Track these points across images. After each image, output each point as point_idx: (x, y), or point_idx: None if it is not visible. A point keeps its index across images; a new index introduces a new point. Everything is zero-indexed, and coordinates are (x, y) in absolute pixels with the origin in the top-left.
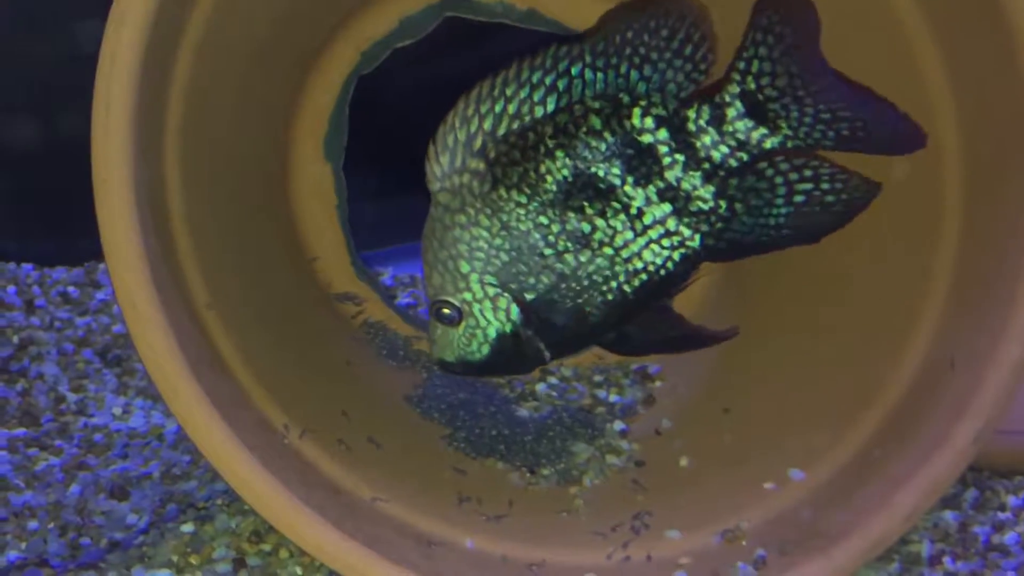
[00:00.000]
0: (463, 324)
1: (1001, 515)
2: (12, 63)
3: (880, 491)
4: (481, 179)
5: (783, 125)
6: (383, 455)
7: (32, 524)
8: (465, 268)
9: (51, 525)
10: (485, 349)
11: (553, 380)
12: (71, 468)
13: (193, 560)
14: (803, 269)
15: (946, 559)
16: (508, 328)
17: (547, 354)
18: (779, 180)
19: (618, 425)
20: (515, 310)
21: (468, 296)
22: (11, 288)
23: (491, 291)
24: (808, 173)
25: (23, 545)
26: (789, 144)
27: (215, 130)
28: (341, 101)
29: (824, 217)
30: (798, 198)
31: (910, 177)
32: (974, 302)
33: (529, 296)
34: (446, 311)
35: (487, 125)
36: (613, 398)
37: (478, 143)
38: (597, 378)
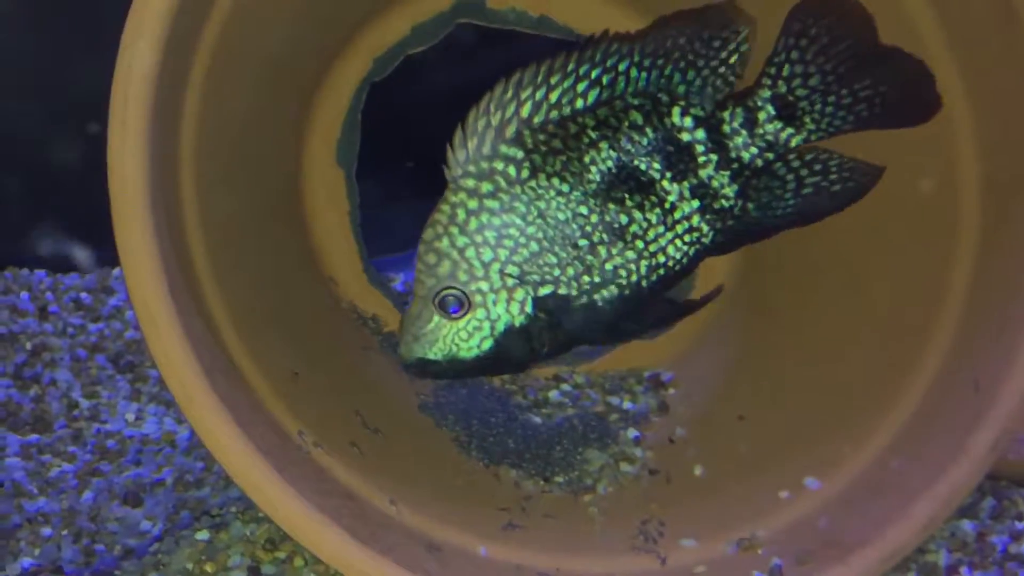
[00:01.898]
0: (468, 316)
1: (1019, 524)
2: (29, 72)
3: (897, 500)
4: (518, 166)
5: (808, 121)
6: (397, 462)
7: (46, 531)
8: (488, 256)
9: (65, 532)
10: (487, 344)
11: (566, 387)
12: (84, 474)
13: (208, 568)
14: (820, 278)
15: (963, 569)
16: (519, 322)
17: (543, 352)
18: (790, 177)
19: (632, 433)
20: (530, 303)
21: (484, 286)
22: (24, 294)
23: (509, 282)
24: (817, 167)
25: (37, 552)
26: (812, 138)
27: (229, 137)
28: (353, 107)
29: (827, 204)
30: (806, 190)
31: (930, 186)
32: (991, 311)
33: (544, 290)
34: (452, 299)
35: (524, 112)
36: (627, 405)
37: (511, 130)
38: (610, 385)
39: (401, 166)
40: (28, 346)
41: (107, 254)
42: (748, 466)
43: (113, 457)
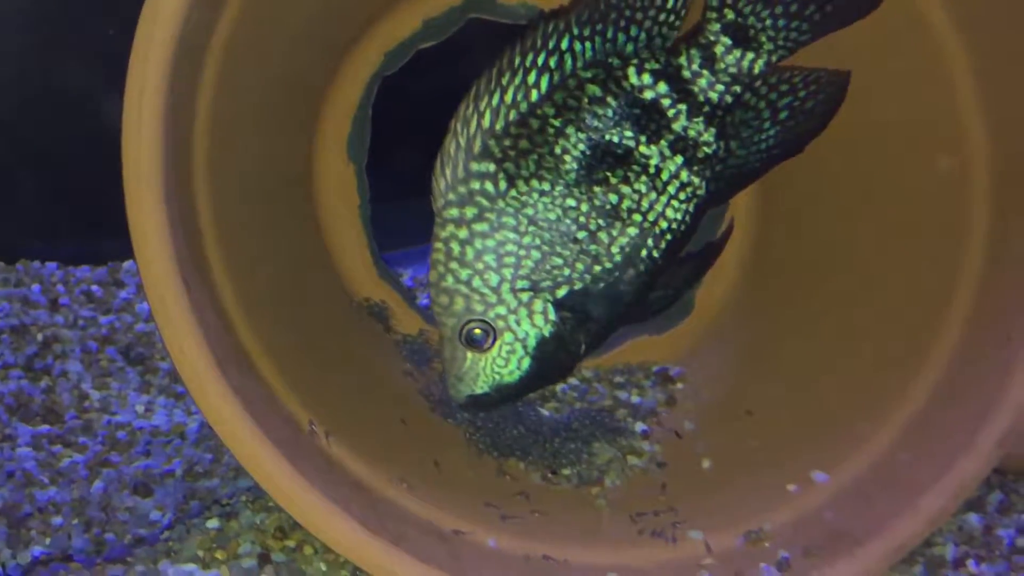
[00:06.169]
0: (498, 344)
1: None
2: (36, 63)
3: (905, 493)
4: (494, 180)
5: (764, 41)
6: (407, 454)
7: (56, 520)
8: (495, 280)
9: (75, 521)
10: (525, 363)
11: (574, 381)
12: (95, 465)
13: (219, 555)
14: (828, 273)
15: (970, 562)
16: (548, 331)
17: (583, 348)
18: (763, 105)
19: (639, 426)
20: (551, 310)
21: (501, 310)
22: (36, 286)
23: (524, 296)
24: (785, 87)
25: (47, 541)
26: (773, 59)
27: (242, 130)
28: (364, 102)
29: (807, 124)
30: (783, 115)
31: (939, 183)
32: (999, 307)
33: (561, 292)
34: (477, 332)
35: (486, 123)
36: (634, 399)
37: (478, 145)
38: (618, 379)
39: (412, 161)
40: (39, 338)
41: (118, 247)
42: (756, 460)
43: (123, 448)
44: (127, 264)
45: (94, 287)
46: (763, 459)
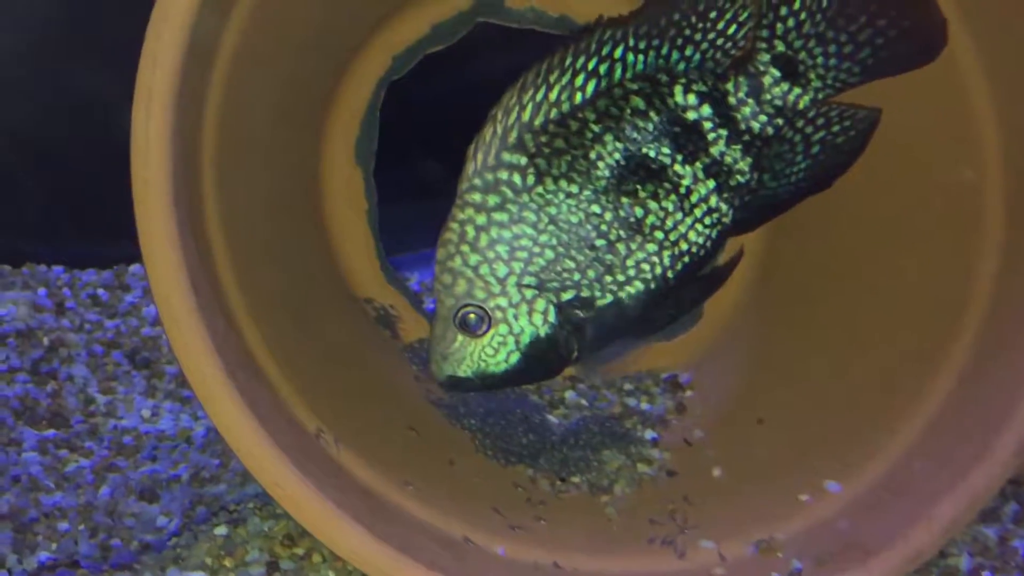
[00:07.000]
0: (490, 333)
1: None
2: (42, 65)
3: (919, 503)
4: (523, 173)
5: (813, 77)
6: (414, 460)
7: (63, 525)
8: (502, 271)
9: (81, 526)
10: (514, 358)
11: (582, 387)
12: (101, 470)
13: (227, 563)
14: (839, 281)
15: (985, 573)
16: (544, 331)
17: (575, 355)
18: (798, 138)
19: (649, 434)
20: (552, 312)
21: (502, 301)
22: (42, 290)
23: (528, 293)
24: (821, 121)
25: (54, 546)
26: (820, 96)
27: (250, 134)
28: (372, 106)
29: (837, 160)
30: (815, 149)
31: (952, 188)
32: (1013, 315)
33: (567, 295)
34: (472, 317)
35: (526, 115)
36: (644, 407)
37: (513, 136)
38: (627, 386)
39: (419, 165)
40: (45, 341)
41: (124, 251)
42: (767, 468)
43: (129, 453)
44: (133, 268)
45: (100, 291)
46: (774, 468)
